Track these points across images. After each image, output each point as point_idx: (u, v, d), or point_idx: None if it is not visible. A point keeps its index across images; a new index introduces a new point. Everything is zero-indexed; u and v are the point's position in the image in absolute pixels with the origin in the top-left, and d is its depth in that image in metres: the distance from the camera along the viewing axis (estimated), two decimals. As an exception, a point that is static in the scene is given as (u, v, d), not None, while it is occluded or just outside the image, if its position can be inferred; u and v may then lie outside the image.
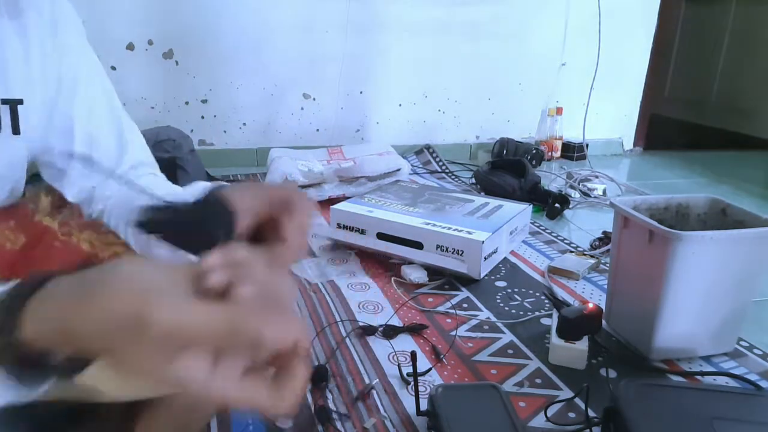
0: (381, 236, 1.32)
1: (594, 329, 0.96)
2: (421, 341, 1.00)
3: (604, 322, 1.02)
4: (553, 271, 1.29)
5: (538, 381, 0.90)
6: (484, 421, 0.72)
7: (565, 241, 1.50)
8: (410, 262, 1.27)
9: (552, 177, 2.11)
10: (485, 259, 1.23)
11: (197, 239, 0.41)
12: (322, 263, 1.31)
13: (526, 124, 2.53)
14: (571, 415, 0.82)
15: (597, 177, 2.12)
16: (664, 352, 0.94)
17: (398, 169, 1.86)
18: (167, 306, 0.31)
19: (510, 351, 0.98)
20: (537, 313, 1.11)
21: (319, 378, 0.87)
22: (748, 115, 3.07)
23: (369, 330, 1.01)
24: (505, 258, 1.37)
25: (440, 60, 2.35)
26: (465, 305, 1.14)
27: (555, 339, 0.94)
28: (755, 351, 1.00)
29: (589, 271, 1.31)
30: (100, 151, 0.71)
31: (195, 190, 0.65)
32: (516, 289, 1.21)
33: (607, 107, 2.59)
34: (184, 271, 0.34)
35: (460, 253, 1.22)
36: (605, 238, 1.48)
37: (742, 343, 1.01)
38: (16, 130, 0.63)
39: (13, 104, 0.62)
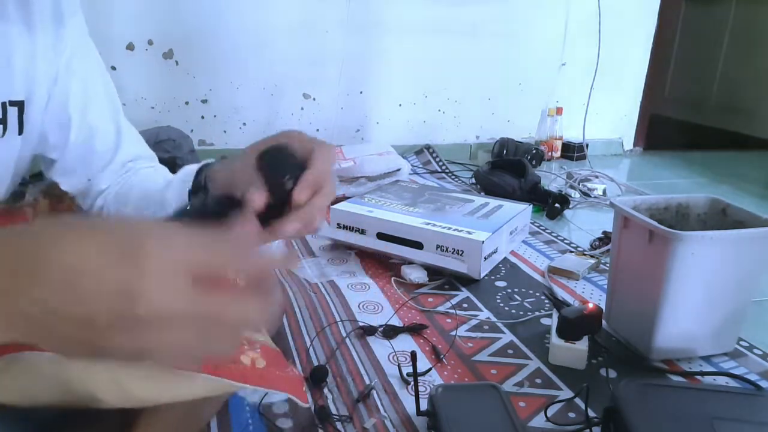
0: (381, 236, 1.32)
1: (594, 329, 0.96)
2: (421, 341, 1.00)
3: (604, 322, 1.02)
4: (553, 271, 1.29)
5: (538, 381, 0.90)
6: (484, 421, 0.72)
7: (565, 241, 1.50)
8: (410, 262, 1.27)
9: (552, 177, 2.11)
10: (485, 259, 1.23)
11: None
12: (322, 263, 1.31)
13: (526, 124, 2.53)
14: (571, 415, 0.82)
15: (597, 177, 2.12)
16: (664, 352, 0.94)
17: (398, 169, 1.86)
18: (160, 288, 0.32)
19: (510, 351, 0.98)
20: (537, 313, 1.11)
21: (319, 378, 0.87)
22: (748, 115, 3.07)
23: (369, 330, 1.01)
24: (505, 258, 1.37)
25: (440, 60, 2.35)
26: (465, 305, 1.14)
27: (555, 339, 0.94)
28: (755, 351, 1.00)
29: (589, 271, 1.31)
30: (97, 142, 0.71)
31: (186, 174, 0.66)
32: (516, 289, 1.21)
33: (607, 107, 2.59)
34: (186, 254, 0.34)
35: (460, 253, 1.22)
36: (605, 238, 1.48)
37: (742, 343, 1.01)
38: (21, 130, 0.63)
39: (21, 105, 0.62)
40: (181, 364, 0.37)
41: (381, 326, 1.02)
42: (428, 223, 1.28)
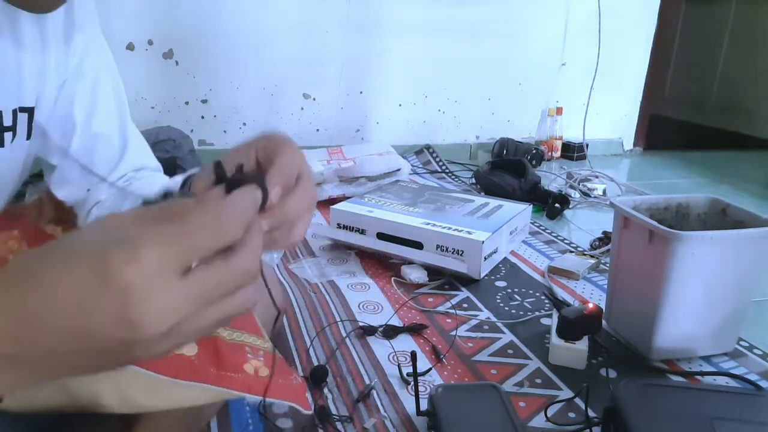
0: (381, 236, 1.32)
1: (594, 329, 0.96)
2: (421, 341, 1.00)
3: (604, 322, 1.02)
4: (553, 271, 1.29)
5: (538, 381, 0.90)
6: (484, 421, 0.72)
7: (565, 241, 1.50)
8: (410, 262, 1.27)
9: (552, 177, 2.11)
10: (485, 259, 1.23)
11: None
12: (322, 263, 1.32)
13: (526, 124, 2.53)
14: (571, 415, 0.82)
15: (597, 177, 2.12)
16: (664, 352, 0.94)
17: (398, 169, 1.86)
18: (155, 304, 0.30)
19: (510, 351, 0.98)
20: (537, 313, 1.11)
21: (319, 378, 0.87)
22: (748, 115, 3.07)
23: (369, 330, 1.01)
24: (505, 258, 1.37)
25: (440, 60, 2.35)
26: (465, 305, 1.14)
27: (555, 339, 0.94)
28: (755, 351, 1.00)
29: (589, 271, 1.31)
30: (100, 151, 0.69)
31: (175, 183, 0.65)
32: (516, 289, 1.21)
33: (607, 107, 2.59)
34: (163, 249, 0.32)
35: (460, 253, 1.22)
36: (605, 238, 1.48)
37: (742, 343, 1.01)
38: (29, 135, 0.63)
39: (31, 111, 0.62)
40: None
41: (381, 326, 1.02)
42: (428, 223, 1.28)
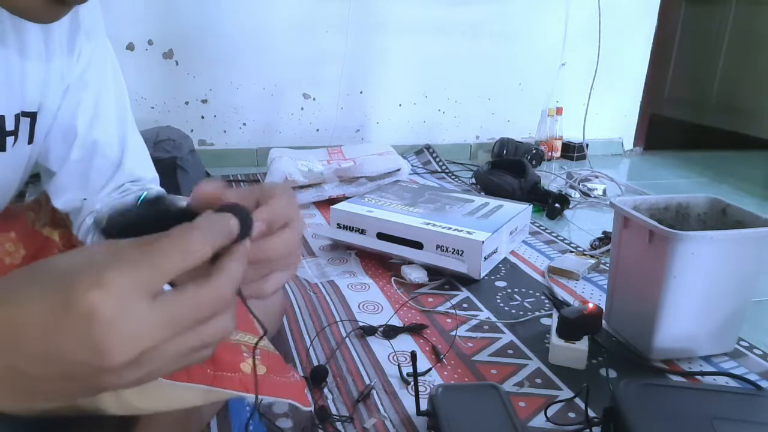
0: (381, 236, 1.32)
1: (594, 329, 0.96)
2: (421, 341, 1.00)
3: (604, 322, 1.02)
4: (553, 271, 1.29)
5: (538, 381, 0.90)
6: (484, 421, 0.72)
7: (565, 241, 1.50)
8: (410, 262, 1.27)
9: (552, 177, 2.11)
10: (485, 259, 1.23)
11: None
12: (322, 263, 1.32)
13: (526, 124, 2.53)
14: (571, 415, 0.82)
15: (597, 177, 2.12)
16: (664, 352, 0.94)
17: (398, 169, 1.86)
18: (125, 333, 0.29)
19: (510, 351, 0.98)
20: (537, 313, 1.11)
21: (319, 378, 0.87)
22: (748, 115, 3.07)
23: (369, 330, 1.01)
24: (505, 258, 1.37)
25: (440, 60, 2.35)
26: (465, 305, 1.14)
27: (555, 339, 0.94)
28: (755, 351, 1.00)
29: (589, 271, 1.31)
30: (97, 159, 0.68)
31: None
32: (516, 289, 1.21)
33: (606, 107, 2.59)
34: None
35: (460, 253, 1.22)
36: (605, 238, 1.48)
37: (742, 343, 1.01)
38: (31, 140, 0.62)
39: (33, 116, 0.61)
40: (178, 371, 0.36)
41: (381, 326, 1.02)
42: (428, 223, 1.28)
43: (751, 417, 0.71)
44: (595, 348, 0.96)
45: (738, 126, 3.11)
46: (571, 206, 1.77)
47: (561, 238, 1.53)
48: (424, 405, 0.78)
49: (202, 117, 2.18)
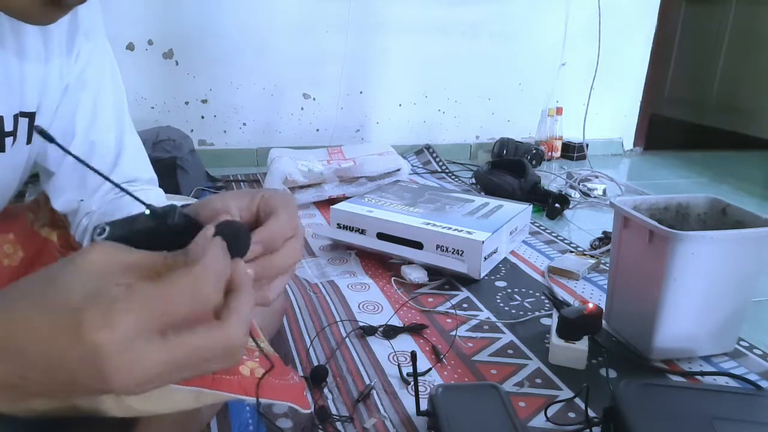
0: (381, 236, 1.32)
1: (594, 329, 0.96)
2: (421, 341, 1.00)
3: (604, 322, 1.02)
4: (553, 271, 1.29)
5: (538, 381, 0.90)
6: (484, 421, 0.72)
7: (565, 241, 1.50)
8: (410, 262, 1.27)
9: (552, 177, 2.11)
10: (485, 259, 1.23)
11: (159, 248, 0.37)
12: (322, 263, 1.32)
13: (526, 124, 2.53)
14: (571, 415, 0.82)
15: (597, 177, 2.12)
16: (664, 352, 0.94)
17: (398, 169, 1.86)
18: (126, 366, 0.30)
19: (510, 351, 0.98)
20: (537, 313, 1.11)
21: (319, 378, 0.87)
22: (748, 115, 3.07)
23: (369, 330, 1.01)
24: (505, 258, 1.37)
25: (440, 60, 2.35)
26: (465, 305, 1.14)
27: (555, 339, 0.94)
28: (755, 351, 1.00)
29: (589, 271, 1.31)
30: (95, 160, 0.68)
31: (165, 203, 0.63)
32: (516, 289, 1.21)
33: (607, 107, 2.59)
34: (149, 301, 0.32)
35: (460, 253, 1.22)
36: (605, 238, 1.48)
37: (742, 343, 1.01)
38: (30, 140, 0.62)
39: (32, 117, 0.61)
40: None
41: (381, 326, 1.02)
42: (428, 223, 1.28)
43: (751, 417, 0.71)
44: (595, 348, 0.96)
45: (738, 126, 3.11)
46: (571, 206, 1.77)
47: (561, 238, 1.53)
48: (424, 405, 0.78)
49: (202, 117, 2.18)
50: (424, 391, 0.85)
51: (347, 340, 0.99)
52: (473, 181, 2.01)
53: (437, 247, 1.25)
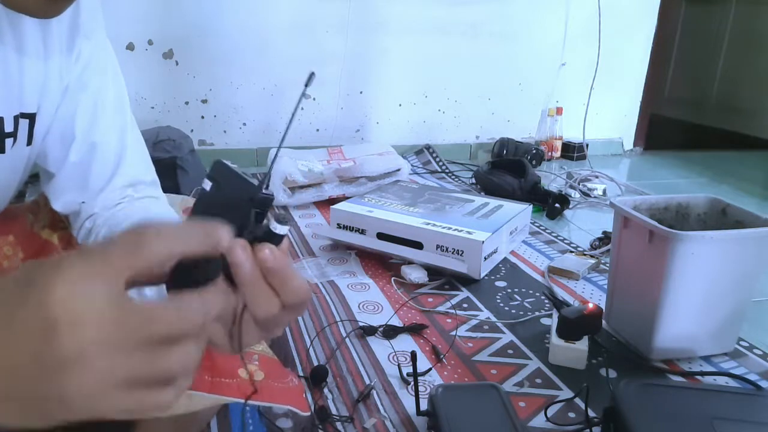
0: (381, 236, 1.32)
1: (594, 329, 0.96)
2: (421, 341, 1.00)
3: (604, 322, 1.02)
4: (553, 271, 1.29)
5: (538, 381, 0.90)
6: (484, 421, 0.72)
7: (565, 241, 1.50)
8: (410, 262, 1.27)
9: (552, 177, 2.11)
10: (485, 259, 1.23)
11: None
12: (322, 263, 1.31)
13: (526, 124, 2.53)
14: (571, 415, 0.82)
15: (597, 177, 2.12)
16: (664, 352, 0.94)
17: (398, 169, 1.86)
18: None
19: (510, 351, 0.98)
20: (537, 313, 1.11)
21: (319, 378, 0.87)
22: (748, 115, 3.07)
23: (369, 330, 1.01)
24: (505, 258, 1.37)
25: (440, 60, 2.35)
26: (465, 305, 1.14)
27: (555, 339, 0.94)
28: (755, 351, 1.00)
29: (589, 271, 1.31)
30: (95, 161, 0.67)
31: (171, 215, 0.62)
32: (516, 289, 1.21)
33: (607, 107, 2.59)
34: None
35: (460, 253, 1.22)
36: (605, 238, 1.48)
37: (742, 343, 1.01)
38: (30, 141, 0.62)
39: (32, 118, 0.61)
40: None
41: (381, 326, 1.02)
42: (428, 223, 1.28)
43: (751, 417, 0.71)
44: (595, 348, 0.96)
45: (738, 126, 3.11)
46: (571, 206, 1.77)
47: (561, 238, 1.53)
48: (424, 405, 0.78)
49: (202, 117, 2.18)
50: (424, 391, 0.85)
51: (347, 340, 0.99)
52: (473, 181, 2.01)
53: (437, 247, 1.25)
